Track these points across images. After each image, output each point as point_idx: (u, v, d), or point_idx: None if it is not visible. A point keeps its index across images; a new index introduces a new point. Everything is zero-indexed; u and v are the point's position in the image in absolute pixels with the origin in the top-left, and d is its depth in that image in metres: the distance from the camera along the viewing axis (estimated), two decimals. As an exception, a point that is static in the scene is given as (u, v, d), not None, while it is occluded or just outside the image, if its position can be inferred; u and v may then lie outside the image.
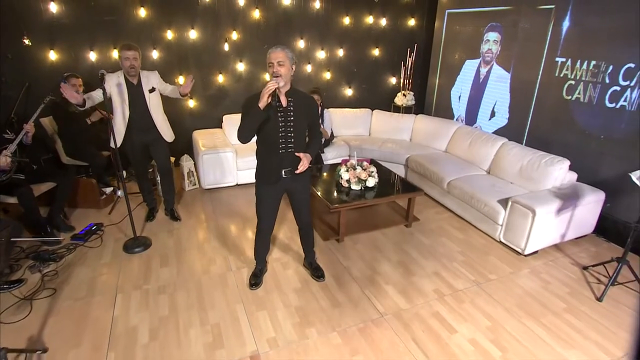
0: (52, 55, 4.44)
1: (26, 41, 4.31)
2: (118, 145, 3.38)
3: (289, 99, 2.50)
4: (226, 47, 5.09)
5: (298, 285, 3.04)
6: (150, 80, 3.48)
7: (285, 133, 2.50)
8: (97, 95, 3.33)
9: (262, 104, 2.31)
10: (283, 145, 2.53)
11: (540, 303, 2.91)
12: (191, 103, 5.18)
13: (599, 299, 2.95)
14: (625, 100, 3.56)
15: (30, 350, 2.29)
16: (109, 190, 4.35)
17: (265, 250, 3.07)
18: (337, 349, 2.45)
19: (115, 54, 4.63)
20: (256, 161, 2.72)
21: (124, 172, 4.51)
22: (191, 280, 3.08)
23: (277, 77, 2.35)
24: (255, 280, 3.02)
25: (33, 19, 4.25)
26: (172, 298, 2.88)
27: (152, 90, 3.48)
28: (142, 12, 4.60)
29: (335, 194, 3.74)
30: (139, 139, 3.55)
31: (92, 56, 4.59)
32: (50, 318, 2.66)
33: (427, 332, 2.59)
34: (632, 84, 3.48)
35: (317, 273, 3.11)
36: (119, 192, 4.37)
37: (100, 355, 2.37)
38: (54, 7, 4.28)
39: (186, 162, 4.61)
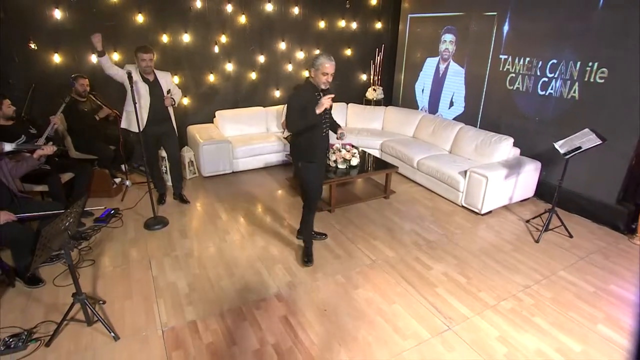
0: (57, 58, 4.80)
1: (32, 45, 4.64)
2: (136, 130, 3.86)
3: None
4: (216, 49, 5.62)
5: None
6: (166, 79, 3.97)
7: (325, 121, 3.13)
8: (118, 71, 3.75)
9: (319, 111, 2.90)
10: (325, 131, 3.16)
11: (494, 246, 3.73)
12: (185, 101, 5.65)
13: (537, 241, 3.81)
14: (552, 89, 4.48)
15: (96, 299, 2.78)
16: (118, 180, 4.77)
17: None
18: (342, 286, 3.12)
19: (115, 56, 5.05)
20: (298, 145, 3.17)
21: (125, 165, 5.01)
22: (212, 247, 3.64)
23: (330, 92, 2.96)
24: (309, 258, 3.38)
25: (39, 24, 4.60)
26: (199, 260, 3.44)
27: (168, 92, 4.00)
28: (140, 18, 5.04)
29: (325, 171, 4.40)
30: (152, 130, 4.03)
31: (94, 59, 4.97)
32: (97, 281, 3.15)
33: (411, 271, 3.31)
34: (555, 76, 4.40)
35: (320, 236, 3.76)
36: (128, 182, 4.81)
37: (151, 303, 2.90)
38: (58, 14, 4.64)
39: (187, 153, 5.12)
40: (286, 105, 3.23)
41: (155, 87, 3.94)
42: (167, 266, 3.35)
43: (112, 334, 2.56)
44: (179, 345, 2.52)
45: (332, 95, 2.94)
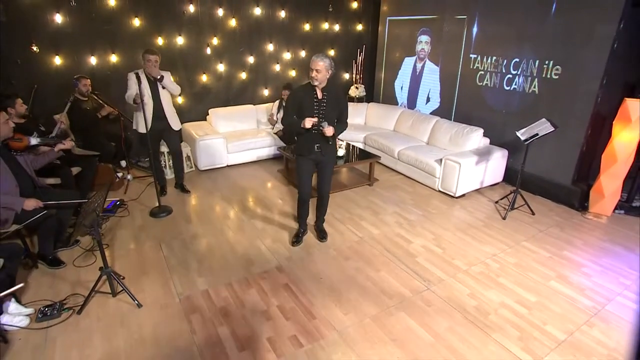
0: (57, 61, 5.06)
1: (34, 48, 4.90)
2: (143, 131, 4.20)
3: (324, 93, 3.30)
4: (208, 51, 5.96)
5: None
6: (166, 77, 4.32)
7: (318, 118, 3.31)
8: (132, 90, 4.10)
9: (305, 127, 3.22)
10: (316, 127, 3.29)
11: (466, 223, 4.22)
12: (179, 99, 5.98)
13: (504, 218, 4.33)
14: (516, 85, 5.02)
15: (117, 274, 3.11)
16: (120, 175, 5.08)
17: (306, 214, 3.74)
18: (334, 258, 3.55)
19: (113, 58, 5.34)
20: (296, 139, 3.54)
21: (125, 161, 5.33)
22: (216, 230, 4.02)
23: (319, 121, 3.25)
24: (297, 239, 3.73)
25: (41, 28, 4.86)
26: (205, 241, 3.81)
27: (163, 87, 4.27)
28: (136, 22, 5.35)
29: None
30: (155, 125, 4.34)
31: (93, 60, 5.26)
32: (114, 261, 3.48)
33: (394, 245, 3.77)
34: (518, 73, 4.94)
35: (322, 235, 3.85)
36: (129, 177, 5.11)
37: (167, 278, 3.26)
38: (59, 18, 4.91)
39: (184, 148, 5.45)
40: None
41: (155, 86, 4.26)
42: (176, 247, 3.71)
43: (136, 302, 2.91)
44: (195, 309, 2.90)
45: (328, 128, 3.24)
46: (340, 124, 3.50)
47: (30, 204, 3.05)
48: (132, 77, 4.10)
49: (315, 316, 2.84)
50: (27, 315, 2.74)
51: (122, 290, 2.99)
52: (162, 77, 4.26)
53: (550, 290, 3.16)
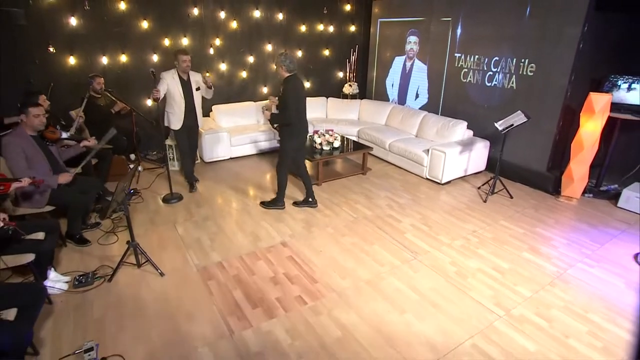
0: (72, 60, 5.43)
1: (51, 49, 5.27)
2: (177, 128, 4.58)
3: None
4: (211, 51, 6.36)
5: (298, 207, 4.52)
6: (196, 78, 4.59)
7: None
8: (162, 88, 4.37)
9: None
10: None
11: (451, 206, 4.68)
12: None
13: (485, 201, 4.79)
14: (496, 81, 5.49)
15: (140, 248, 3.50)
16: (132, 166, 5.45)
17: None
18: (332, 235, 3.98)
19: (123, 58, 5.73)
20: (287, 129, 4.11)
21: (134, 155, 5.72)
22: (225, 212, 4.43)
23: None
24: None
25: (57, 31, 5.23)
26: (215, 222, 4.21)
27: (197, 89, 4.60)
28: (145, 24, 5.74)
29: (313, 153, 5.25)
30: (185, 123, 4.63)
31: (104, 60, 5.64)
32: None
33: (385, 224, 4.21)
34: (498, 70, 5.41)
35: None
36: (140, 168, 5.49)
37: (183, 252, 3.67)
38: (74, 21, 5.29)
39: (191, 142, 5.84)
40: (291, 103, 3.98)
41: (187, 85, 4.53)
42: (190, 227, 4.11)
43: (159, 270, 3.32)
44: (211, 277, 3.31)
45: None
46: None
47: (64, 177, 3.44)
48: (165, 77, 4.39)
49: (317, 281, 3.27)
50: (65, 282, 3.14)
51: (145, 262, 3.40)
52: (198, 87, 4.60)
53: (521, 259, 3.62)
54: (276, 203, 4.52)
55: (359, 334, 2.72)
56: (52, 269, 3.15)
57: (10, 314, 2.19)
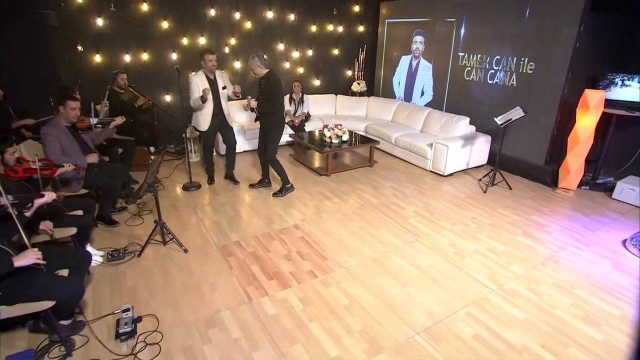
0: (98, 58, 5.82)
1: (79, 48, 5.66)
2: (204, 129, 4.81)
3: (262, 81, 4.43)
4: (227, 49, 6.71)
5: (309, 196, 4.84)
6: (223, 78, 4.79)
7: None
8: (196, 90, 4.59)
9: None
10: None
11: (453, 195, 4.96)
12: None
13: (485, 192, 5.06)
14: (497, 79, 5.75)
15: (167, 227, 3.84)
16: (153, 157, 5.82)
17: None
18: (340, 220, 4.29)
19: (145, 56, 6.10)
20: (275, 119, 4.58)
21: (152, 148, 6.09)
22: (241, 200, 4.77)
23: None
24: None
25: (85, 31, 5.62)
26: (233, 208, 4.55)
27: (224, 88, 4.76)
28: (165, 24, 6.10)
29: (323, 146, 5.57)
30: (213, 122, 4.83)
31: (127, 58, 6.01)
32: (159, 222, 4.22)
33: (390, 210, 4.51)
34: (499, 69, 5.68)
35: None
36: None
37: (204, 233, 4.01)
38: (100, 22, 5.67)
39: (207, 135, 6.19)
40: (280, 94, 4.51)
41: (214, 84, 4.72)
42: (209, 212, 4.45)
43: (183, 247, 3.66)
44: (230, 253, 3.64)
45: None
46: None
47: (92, 158, 3.79)
48: (194, 80, 4.56)
49: (327, 258, 3.58)
50: (100, 256, 3.49)
51: (170, 240, 3.74)
52: (225, 86, 4.74)
53: (516, 242, 3.90)
54: (286, 188, 4.85)
55: (365, 302, 3.02)
56: (88, 244, 3.51)
57: (64, 272, 2.54)
